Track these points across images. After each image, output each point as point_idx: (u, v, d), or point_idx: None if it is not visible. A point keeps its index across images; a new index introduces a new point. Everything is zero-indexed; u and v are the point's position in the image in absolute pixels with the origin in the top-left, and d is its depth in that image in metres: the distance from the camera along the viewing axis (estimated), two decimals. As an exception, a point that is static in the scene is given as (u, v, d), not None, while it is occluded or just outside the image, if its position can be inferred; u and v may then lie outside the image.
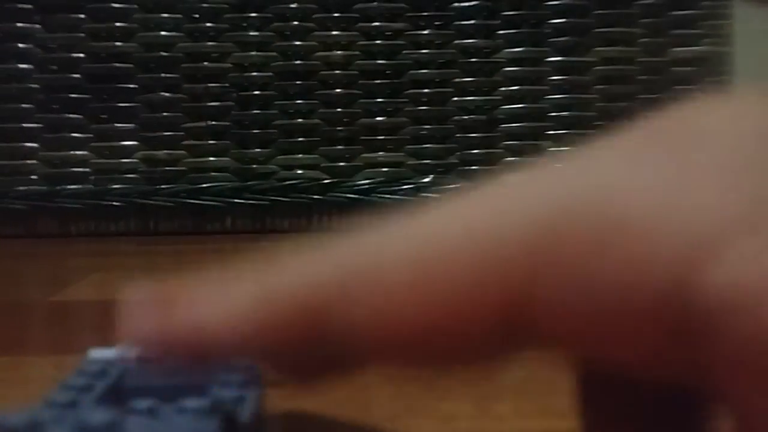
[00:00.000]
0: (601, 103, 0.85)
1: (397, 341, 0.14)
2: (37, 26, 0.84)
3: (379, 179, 0.85)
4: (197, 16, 0.85)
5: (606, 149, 0.14)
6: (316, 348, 0.15)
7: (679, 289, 0.12)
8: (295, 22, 0.85)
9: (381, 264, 0.15)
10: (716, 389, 0.11)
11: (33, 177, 0.84)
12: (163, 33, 0.85)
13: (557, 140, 0.84)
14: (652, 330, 0.12)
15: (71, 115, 0.84)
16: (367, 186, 0.84)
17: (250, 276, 0.18)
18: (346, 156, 0.86)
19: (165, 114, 0.85)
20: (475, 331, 0.14)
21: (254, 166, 0.85)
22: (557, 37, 0.85)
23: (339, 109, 0.86)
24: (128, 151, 0.85)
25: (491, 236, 0.13)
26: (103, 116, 0.85)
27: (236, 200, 0.85)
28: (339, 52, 0.85)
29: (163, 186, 0.84)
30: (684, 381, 0.12)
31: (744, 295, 0.11)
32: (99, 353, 0.23)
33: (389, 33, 0.85)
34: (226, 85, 0.85)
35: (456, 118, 0.85)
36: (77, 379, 0.21)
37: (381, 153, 0.86)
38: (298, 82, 0.85)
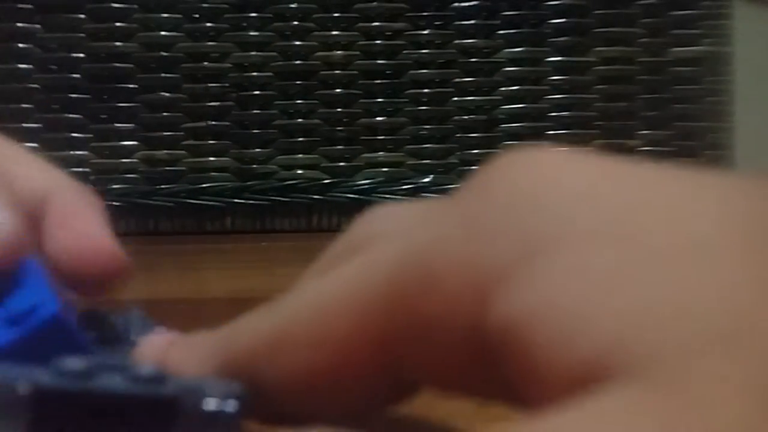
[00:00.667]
0: (601, 103, 0.85)
1: (304, 391, 0.17)
2: (37, 26, 0.84)
3: (379, 179, 0.85)
4: (197, 16, 0.85)
5: (439, 208, 0.17)
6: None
7: (477, 321, 0.14)
8: (295, 22, 0.85)
9: (286, 329, 0.18)
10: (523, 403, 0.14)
11: (33, 177, 0.84)
12: (163, 33, 0.85)
13: (557, 140, 0.84)
14: (465, 358, 0.15)
15: (71, 115, 0.84)
16: (367, 186, 0.84)
17: (216, 335, 0.21)
18: (346, 156, 0.86)
19: (165, 114, 0.85)
20: (364, 378, 0.17)
21: (254, 166, 0.85)
22: (557, 37, 0.85)
23: (339, 109, 0.86)
24: (128, 151, 0.85)
25: (357, 298, 0.17)
26: (102, 116, 0.85)
27: (236, 200, 0.85)
28: (339, 52, 0.85)
29: (163, 186, 0.84)
30: (500, 397, 0.15)
31: (518, 319, 0.13)
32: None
33: (389, 33, 0.85)
34: (226, 85, 0.85)
35: (456, 118, 0.85)
36: None
37: (381, 153, 0.86)
38: (298, 82, 0.85)
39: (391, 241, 0.17)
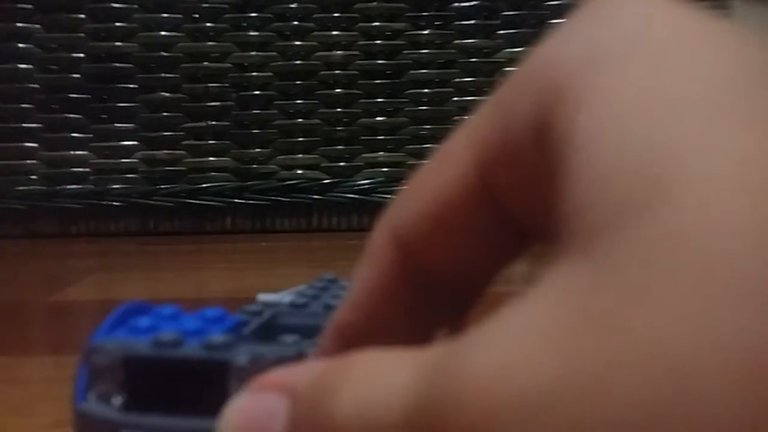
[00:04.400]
0: (602, 103, 0.85)
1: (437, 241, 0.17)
2: (37, 26, 0.84)
3: (379, 179, 0.84)
4: (197, 16, 0.85)
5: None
6: None
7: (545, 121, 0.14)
8: (295, 22, 0.85)
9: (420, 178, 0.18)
10: None
11: (33, 177, 0.84)
12: (163, 33, 0.85)
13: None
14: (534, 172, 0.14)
15: (71, 115, 0.84)
16: (367, 186, 0.84)
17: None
18: (346, 156, 0.86)
19: (165, 114, 0.85)
20: (475, 216, 0.17)
21: (254, 166, 0.85)
22: (557, 37, 0.85)
23: (339, 109, 0.86)
24: (128, 151, 0.85)
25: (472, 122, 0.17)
26: (103, 116, 0.85)
27: (236, 200, 0.84)
28: (339, 52, 0.85)
29: (163, 186, 0.84)
30: None
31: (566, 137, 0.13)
32: (265, 296, 0.28)
33: (389, 33, 0.85)
34: (226, 85, 0.85)
35: (456, 118, 0.85)
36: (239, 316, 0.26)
37: (381, 153, 0.86)
38: (298, 82, 0.85)
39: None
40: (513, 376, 0.11)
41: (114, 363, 0.21)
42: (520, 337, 0.11)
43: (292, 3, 0.85)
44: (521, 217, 0.16)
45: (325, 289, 0.30)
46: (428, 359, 0.13)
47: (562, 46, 0.14)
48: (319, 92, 0.85)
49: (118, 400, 0.21)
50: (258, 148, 0.85)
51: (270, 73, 0.85)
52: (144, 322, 0.23)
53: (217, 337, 0.21)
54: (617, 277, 0.11)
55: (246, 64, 0.85)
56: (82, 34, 0.84)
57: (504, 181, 0.16)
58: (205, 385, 0.20)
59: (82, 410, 0.21)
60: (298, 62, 0.85)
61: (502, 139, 0.15)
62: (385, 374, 0.14)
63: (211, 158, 0.85)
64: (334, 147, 0.85)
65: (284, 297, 0.28)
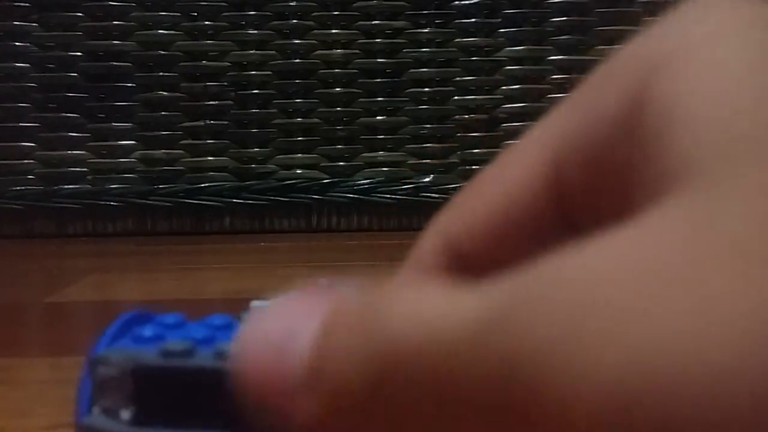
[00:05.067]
0: (603, 102, 0.85)
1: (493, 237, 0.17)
2: (35, 25, 0.83)
3: (379, 179, 0.84)
4: (196, 14, 0.85)
5: None
6: None
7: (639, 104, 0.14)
8: (295, 21, 0.85)
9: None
10: None
11: (30, 177, 0.83)
12: (161, 31, 0.84)
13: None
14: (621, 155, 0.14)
15: (68, 115, 0.84)
16: (367, 186, 0.84)
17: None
18: (346, 156, 0.85)
19: (163, 113, 0.84)
20: (542, 214, 0.17)
21: (253, 165, 0.85)
22: (559, 36, 0.85)
23: (339, 108, 0.85)
24: (126, 151, 0.84)
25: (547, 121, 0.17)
26: (100, 115, 0.84)
27: (235, 200, 0.84)
28: (339, 50, 0.85)
29: (161, 186, 0.84)
30: None
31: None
32: (258, 303, 0.26)
33: (389, 31, 0.85)
34: (225, 84, 0.85)
35: (457, 117, 0.85)
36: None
37: (381, 153, 0.85)
38: (297, 81, 0.85)
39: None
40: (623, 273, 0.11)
41: (121, 374, 0.20)
42: (624, 248, 0.11)
43: (291, 1, 0.85)
44: (581, 212, 0.16)
45: None
46: (501, 282, 0.12)
47: (655, 40, 0.15)
48: (318, 91, 0.85)
49: (126, 414, 0.20)
50: (257, 147, 0.85)
51: (269, 72, 0.85)
52: (148, 331, 0.22)
53: (229, 345, 0.21)
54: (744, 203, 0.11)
55: (245, 62, 0.85)
56: (80, 33, 0.84)
57: (578, 175, 0.15)
58: (218, 395, 0.19)
59: (87, 425, 0.20)
60: (297, 61, 0.85)
61: (585, 131, 0.15)
62: (450, 291, 0.13)
63: (210, 158, 0.85)
64: (334, 146, 0.85)
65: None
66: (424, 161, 0.85)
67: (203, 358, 0.20)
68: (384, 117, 0.85)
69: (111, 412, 0.20)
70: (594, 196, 0.15)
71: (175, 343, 0.20)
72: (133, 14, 0.84)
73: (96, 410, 0.20)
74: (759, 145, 0.12)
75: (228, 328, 0.23)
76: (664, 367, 0.11)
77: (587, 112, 0.15)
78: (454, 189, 0.18)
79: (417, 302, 0.14)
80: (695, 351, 0.10)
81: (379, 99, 0.85)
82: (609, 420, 0.11)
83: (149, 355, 0.20)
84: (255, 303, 0.27)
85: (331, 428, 0.14)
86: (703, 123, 0.13)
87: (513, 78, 0.85)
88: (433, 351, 0.13)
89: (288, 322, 0.15)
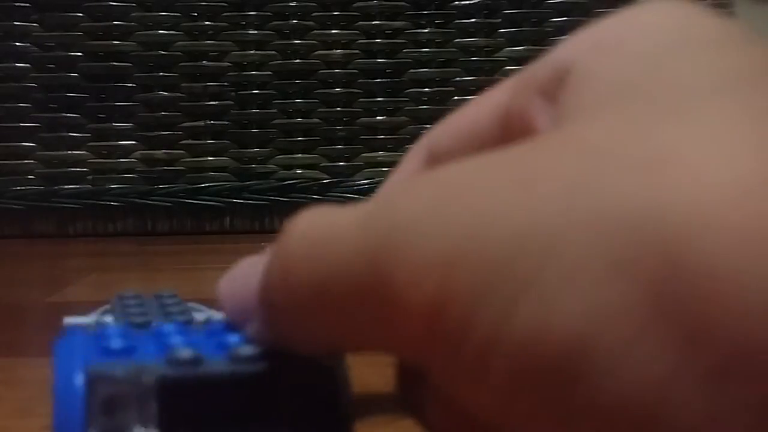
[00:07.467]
0: (603, 102, 0.85)
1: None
2: (35, 25, 0.84)
3: (379, 179, 0.84)
4: (196, 14, 0.85)
5: None
6: None
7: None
8: (295, 21, 0.85)
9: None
10: None
11: (30, 177, 0.83)
12: (161, 32, 0.84)
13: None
14: None
15: (69, 115, 0.84)
16: (367, 186, 0.84)
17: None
18: (346, 156, 0.85)
19: (163, 113, 0.84)
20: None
21: (253, 165, 0.85)
22: (559, 36, 0.85)
23: (339, 109, 0.85)
24: (126, 151, 0.84)
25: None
26: (101, 115, 0.84)
27: (235, 200, 0.84)
28: (339, 50, 0.85)
29: (161, 186, 0.84)
30: None
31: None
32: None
33: (389, 31, 0.85)
34: (225, 84, 0.85)
35: (456, 117, 0.85)
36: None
37: (381, 153, 0.85)
38: (297, 81, 0.85)
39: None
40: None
41: (133, 390, 0.18)
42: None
43: (291, 1, 0.85)
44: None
45: None
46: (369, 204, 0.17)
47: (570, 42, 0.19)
48: (318, 91, 0.85)
49: None
50: (257, 147, 0.85)
51: (269, 72, 0.85)
52: (116, 343, 0.20)
53: (243, 347, 0.20)
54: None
55: (245, 63, 0.85)
56: (80, 33, 0.84)
57: (516, 114, 0.20)
58: (249, 399, 0.19)
59: None
60: (297, 61, 0.85)
61: (531, 78, 0.19)
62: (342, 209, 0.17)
63: (210, 158, 0.85)
64: (334, 146, 0.85)
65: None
66: (424, 161, 0.85)
67: (216, 365, 0.19)
68: (384, 117, 0.85)
69: None
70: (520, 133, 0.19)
71: (181, 351, 0.19)
72: (134, 15, 0.84)
73: None
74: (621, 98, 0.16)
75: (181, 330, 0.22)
76: (480, 234, 0.14)
77: (528, 77, 0.19)
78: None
79: (315, 217, 0.18)
80: (499, 215, 0.14)
81: (379, 99, 0.85)
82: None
83: (159, 367, 0.19)
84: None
85: (285, 327, 0.19)
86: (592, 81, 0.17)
87: (513, 78, 0.85)
88: (314, 253, 0.17)
89: (248, 266, 0.21)
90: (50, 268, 0.70)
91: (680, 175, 0.13)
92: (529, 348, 0.13)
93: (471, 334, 0.14)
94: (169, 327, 0.22)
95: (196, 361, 0.19)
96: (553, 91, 0.18)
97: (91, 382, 0.18)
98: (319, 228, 0.18)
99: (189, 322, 0.24)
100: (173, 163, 0.84)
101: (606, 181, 0.13)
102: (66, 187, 0.83)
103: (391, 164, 0.85)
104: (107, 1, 0.84)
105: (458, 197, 0.15)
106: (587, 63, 0.17)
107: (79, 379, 0.19)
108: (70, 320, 0.25)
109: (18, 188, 0.83)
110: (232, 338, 0.21)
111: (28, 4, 0.83)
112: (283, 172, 0.85)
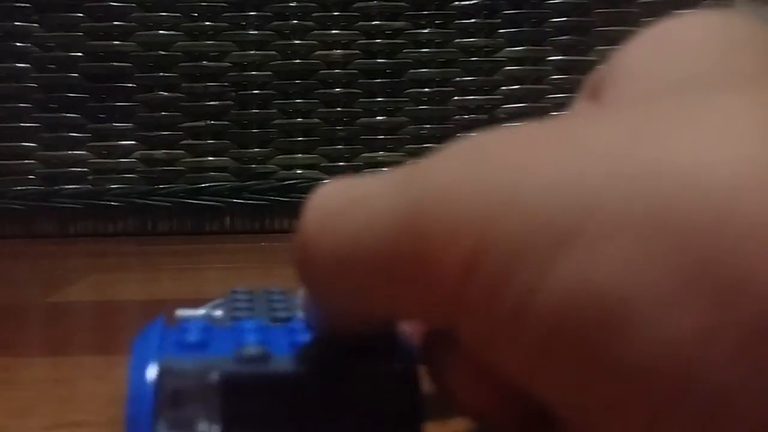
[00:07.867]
0: (603, 103, 0.85)
1: None
2: (35, 25, 0.84)
3: (379, 179, 0.84)
4: (196, 15, 0.85)
5: None
6: None
7: None
8: (295, 21, 0.85)
9: None
10: None
11: (31, 177, 0.84)
12: (161, 32, 0.84)
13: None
14: None
15: (69, 115, 0.84)
16: (367, 186, 0.84)
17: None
18: (346, 156, 0.85)
19: (163, 113, 0.84)
20: None
21: (253, 165, 0.85)
22: (558, 36, 0.85)
23: (339, 109, 0.85)
24: (126, 151, 0.84)
25: None
26: (101, 116, 0.84)
27: (235, 200, 0.84)
28: (339, 51, 0.85)
29: (161, 186, 0.84)
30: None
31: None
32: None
33: (389, 32, 0.85)
34: (225, 84, 0.85)
35: (457, 117, 0.85)
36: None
37: (381, 153, 0.85)
38: (297, 82, 0.85)
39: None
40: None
41: (199, 385, 0.18)
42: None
43: (291, 2, 0.85)
44: None
45: None
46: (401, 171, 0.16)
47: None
48: (318, 91, 0.85)
49: (204, 427, 0.18)
50: (257, 147, 0.85)
51: (269, 72, 0.85)
52: (192, 337, 0.20)
53: (312, 347, 0.20)
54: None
55: (245, 63, 0.85)
56: (81, 33, 0.84)
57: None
58: (314, 399, 0.19)
59: None
60: (297, 61, 0.85)
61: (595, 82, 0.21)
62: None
63: (210, 158, 0.85)
64: (334, 146, 0.85)
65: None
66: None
67: (282, 363, 0.19)
68: (384, 117, 0.85)
69: (185, 427, 0.18)
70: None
71: (249, 347, 0.19)
72: (134, 15, 0.84)
73: (162, 425, 0.18)
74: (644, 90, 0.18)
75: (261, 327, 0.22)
76: (493, 194, 0.14)
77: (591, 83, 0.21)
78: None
79: (334, 188, 0.18)
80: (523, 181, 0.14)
81: (379, 99, 0.85)
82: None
83: (225, 363, 0.19)
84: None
85: (318, 303, 0.19)
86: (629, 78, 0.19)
87: (513, 78, 0.85)
88: (335, 222, 0.17)
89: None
90: (50, 268, 0.70)
91: (725, 145, 0.13)
92: (567, 303, 0.13)
93: (508, 289, 0.14)
94: (249, 323, 0.22)
95: (263, 359, 0.19)
96: (596, 91, 0.20)
97: (161, 374, 0.18)
98: (338, 197, 0.18)
99: (285, 320, 0.24)
100: (173, 163, 0.84)
101: (650, 145, 0.13)
102: (66, 187, 0.83)
103: (391, 164, 0.85)
104: (107, 1, 0.84)
105: (497, 154, 0.15)
106: (628, 63, 0.19)
107: (151, 371, 0.18)
108: (182, 312, 0.25)
109: (18, 188, 0.83)
110: (305, 336, 0.21)
111: (28, 5, 0.83)
112: (283, 172, 0.85)
